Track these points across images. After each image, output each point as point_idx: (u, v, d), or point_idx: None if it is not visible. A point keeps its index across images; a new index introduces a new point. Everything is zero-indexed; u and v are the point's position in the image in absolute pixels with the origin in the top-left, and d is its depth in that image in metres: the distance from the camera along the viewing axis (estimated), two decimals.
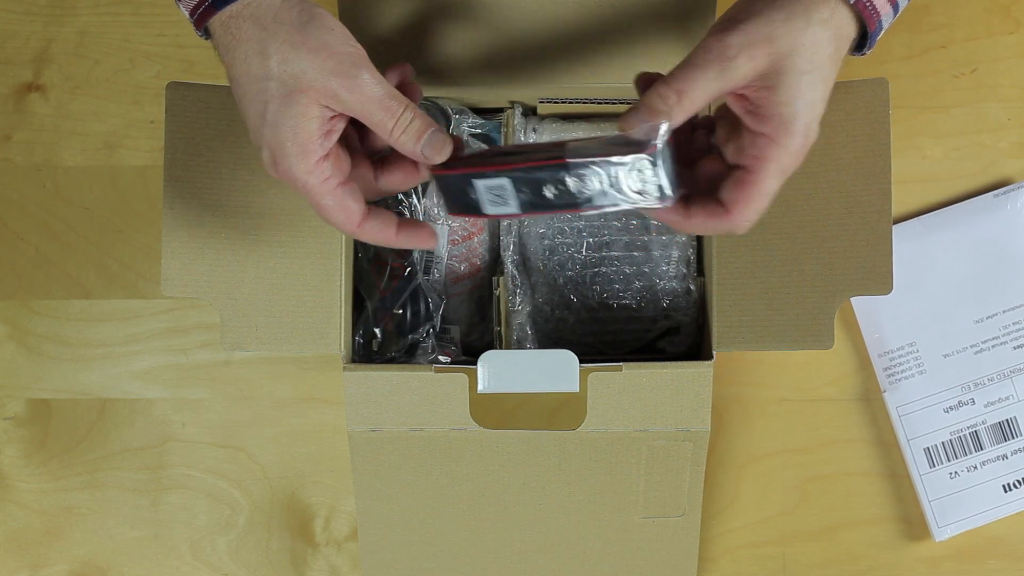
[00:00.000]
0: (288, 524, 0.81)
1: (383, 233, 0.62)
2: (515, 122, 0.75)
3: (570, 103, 0.74)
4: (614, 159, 0.56)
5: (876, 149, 0.69)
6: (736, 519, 0.81)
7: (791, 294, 0.69)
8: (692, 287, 0.76)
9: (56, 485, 0.82)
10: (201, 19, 0.58)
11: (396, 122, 0.58)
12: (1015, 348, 0.80)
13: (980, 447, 0.79)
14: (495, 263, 0.78)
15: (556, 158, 0.57)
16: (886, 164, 0.69)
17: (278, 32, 0.57)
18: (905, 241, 0.80)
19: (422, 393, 0.69)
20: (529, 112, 0.76)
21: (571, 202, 0.58)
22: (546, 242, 0.76)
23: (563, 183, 0.58)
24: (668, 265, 0.76)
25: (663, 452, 0.71)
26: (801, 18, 0.58)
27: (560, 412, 0.80)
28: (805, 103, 0.58)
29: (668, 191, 0.57)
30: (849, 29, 0.59)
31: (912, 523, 0.80)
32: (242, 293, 0.69)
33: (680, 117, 0.59)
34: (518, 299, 0.75)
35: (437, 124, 0.60)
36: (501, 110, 0.76)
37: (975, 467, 0.79)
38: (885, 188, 0.69)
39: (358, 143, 0.63)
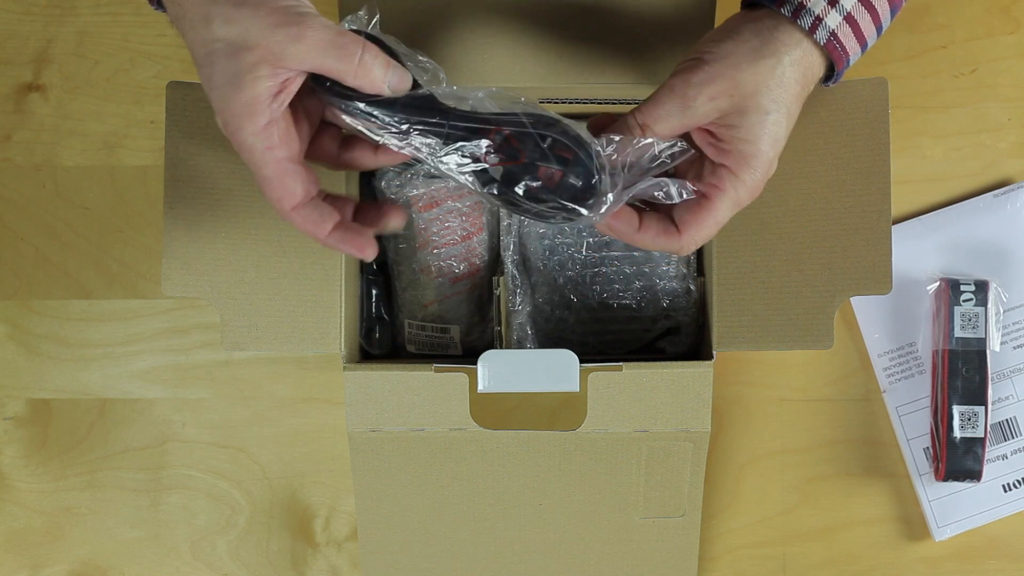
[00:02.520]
0: (288, 524, 0.81)
1: (315, 227, 0.59)
2: None
3: (570, 103, 0.74)
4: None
5: (875, 149, 0.69)
6: (736, 519, 0.81)
7: (791, 294, 0.69)
8: (692, 287, 0.76)
9: (56, 485, 0.82)
10: None
11: (356, 63, 0.56)
12: (1015, 348, 0.80)
13: None
14: (495, 263, 0.78)
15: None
16: (885, 164, 0.69)
17: None
18: (905, 241, 0.80)
19: (422, 393, 0.69)
20: None
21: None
22: (546, 242, 0.76)
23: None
24: (668, 265, 0.76)
25: (663, 452, 0.71)
26: (770, 59, 0.59)
27: (560, 412, 0.80)
28: (768, 141, 0.60)
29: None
30: (817, 68, 0.61)
31: (912, 523, 0.80)
32: (242, 293, 0.69)
33: None
34: (518, 299, 0.75)
35: (394, 62, 0.58)
36: None
37: None
38: (884, 187, 0.69)
39: (323, 112, 0.61)
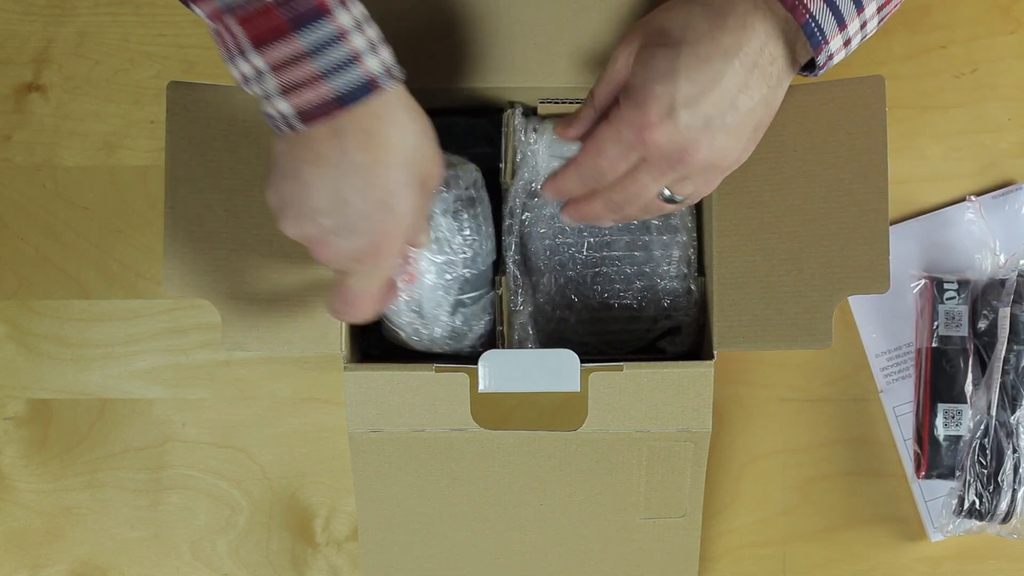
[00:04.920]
0: (288, 524, 0.81)
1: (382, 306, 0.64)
2: (515, 122, 0.75)
3: (570, 103, 0.74)
4: None
5: (873, 147, 0.69)
6: (736, 519, 0.81)
7: (790, 293, 0.69)
8: (693, 287, 0.76)
9: (56, 485, 0.82)
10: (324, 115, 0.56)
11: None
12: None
13: None
14: (496, 263, 0.78)
15: None
16: (883, 162, 0.69)
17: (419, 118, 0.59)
18: (904, 241, 0.80)
19: (422, 393, 0.69)
20: (529, 112, 0.76)
21: None
22: (547, 242, 0.76)
23: None
24: (669, 265, 0.76)
25: (664, 452, 0.71)
26: (696, 4, 0.58)
27: (561, 412, 0.80)
28: (652, 75, 0.57)
29: None
30: (754, 20, 0.58)
31: (912, 523, 0.80)
32: (242, 293, 0.69)
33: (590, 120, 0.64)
34: (519, 299, 0.75)
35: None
36: (501, 110, 0.76)
37: None
38: (882, 186, 0.69)
39: None
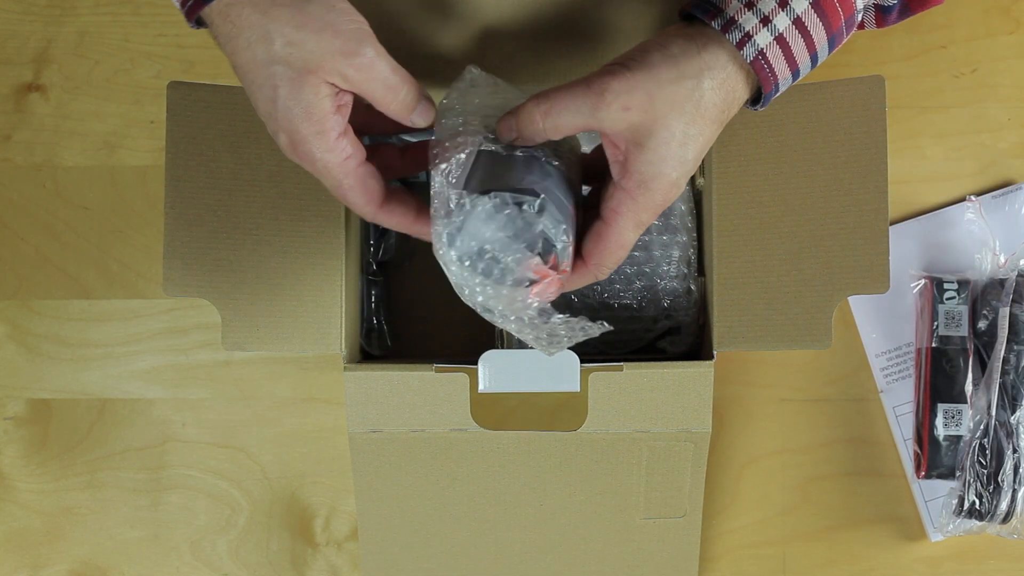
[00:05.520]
0: (288, 524, 0.81)
1: (404, 218, 0.62)
2: None
3: None
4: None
5: (873, 147, 0.69)
6: (736, 519, 0.81)
7: (790, 293, 0.69)
8: (693, 287, 0.76)
9: (56, 485, 0.82)
10: (194, 9, 0.57)
11: (396, 99, 0.59)
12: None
13: None
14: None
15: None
16: (883, 162, 0.69)
17: (279, 15, 0.56)
18: (904, 241, 0.80)
19: (422, 393, 0.69)
20: None
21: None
22: None
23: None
24: (669, 265, 0.76)
25: (664, 453, 0.71)
26: (690, 80, 0.57)
27: (561, 412, 0.80)
28: (672, 165, 0.58)
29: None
30: (741, 91, 0.59)
31: (912, 523, 0.80)
32: (243, 293, 0.69)
33: (541, 137, 0.60)
34: None
35: (426, 94, 0.60)
36: None
37: None
38: (882, 186, 0.69)
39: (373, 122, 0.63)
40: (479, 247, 0.59)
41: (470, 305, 0.62)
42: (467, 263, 0.60)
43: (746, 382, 0.81)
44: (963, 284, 0.77)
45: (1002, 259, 0.78)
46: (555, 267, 0.60)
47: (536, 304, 0.61)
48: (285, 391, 0.82)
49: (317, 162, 0.58)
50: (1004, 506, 0.76)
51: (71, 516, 0.82)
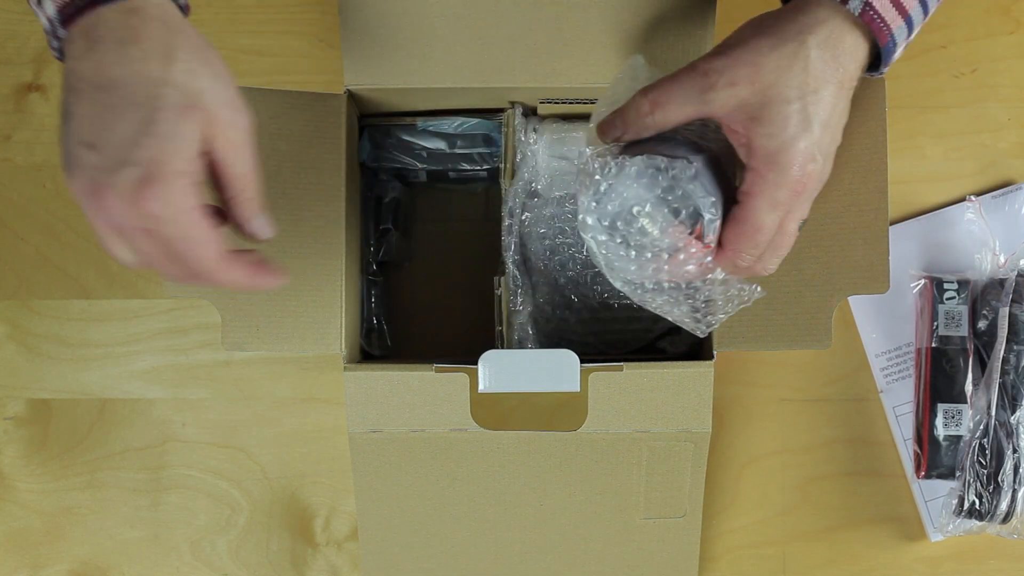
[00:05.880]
0: (288, 524, 0.81)
1: (254, 270, 0.56)
2: (515, 122, 0.75)
3: (570, 103, 0.74)
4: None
5: (873, 147, 0.69)
6: (736, 519, 0.81)
7: (790, 293, 0.69)
8: None
9: (56, 485, 0.82)
10: (85, 8, 0.52)
11: (249, 190, 0.55)
12: None
13: None
14: (496, 263, 0.78)
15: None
16: (883, 162, 0.69)
17: (187, 40, 0.52)
18: (904, 241, 0.80)
19: (422, 393, 0.69)
20: (529, 112, 0.76)
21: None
22: (547, 242, 0.76)
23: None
24: None
25: (664, 453, 0.71)
26: (792, 43, 0.56)
27: (561, 412, 0.80)
28: (793, 134, 0.56)
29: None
30: (855, 47, 0.57)
31: (912, 523, 0.80)
32: (243, 293, 0.69)
33: (651, 130, 0.58)
34: (519, 299, 0.75)
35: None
36: (501, 110, 0.76)
37: None
38: (882, 186, 0.69)
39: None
40: (627, 208, 0.58)
41: (613, 282, 0.60)
42: (613, 225, 0.58)
43: (746, 382, 0.81)
44: (963, 284, 0.78)
45: (1002, 259, 0.78)
46: (699, 238, 0.58)
47: (690, 269, 0.59)
48: (285, 391, 0.82)
49: (170, 205, 0.51)
50: (1004, 506, 0.76)
51: (71, 516, 0.82)
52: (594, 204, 0.58)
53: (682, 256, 0.58)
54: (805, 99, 0.56)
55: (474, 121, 0.77)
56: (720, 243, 0.59)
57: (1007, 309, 0.76)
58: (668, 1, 0.71)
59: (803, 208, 0.59)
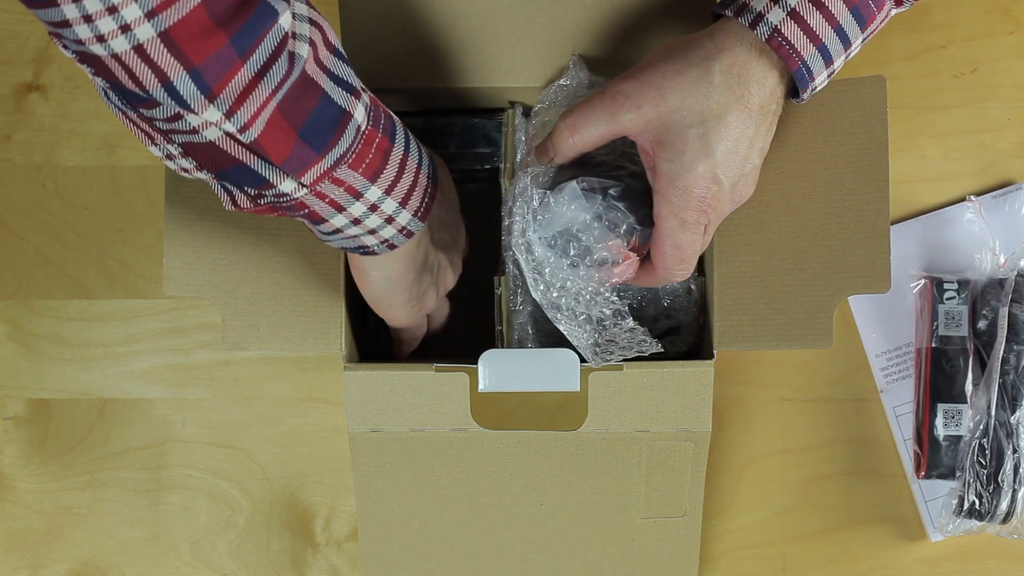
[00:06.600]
0: (288, 524, 0.81)
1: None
2: (515, 122, 0.75)
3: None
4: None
5: (874, 147, 0.69)
6: (736, 519, 0.81)
7: (790, 293, 0.69)
8: (693, 286, 0.76)
9: (56, 485, 0.82)
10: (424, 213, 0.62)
11: (414, 335, 0.74)
12: None
13: None
14: (496, 263, 0.78)
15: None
16: (884, 162, 0.69)
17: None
18: (904, 241, 0.80)
19: (423, 392, 0.69)
20: (529, 112, 0.76)
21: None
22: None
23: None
24: None
25: (664, 452, 0.71)
26: (696, 68, 0.57)
27: (561, 412, 0.80)
28: (692, 158, 0.57)
29: None
30: (763, 72, 0.58)
31: (912, 523, 0.80)
32: (243, 293, 0.69)
33: (574, 151, 0.62)
34: (519, 298, 0.75)
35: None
36: (501, 110, 0.76)
37: None
38: (883, 186, 0.69)
39: None
40: (563, 228, 0.63)
41: (537, 299, 0.66)
42: (550, 244, 0.64)
43: (746, 382, 0.81)
44: (963, 284, 0.77)
45: (1002, 259, 0.78)
46: (635, 250, 0.64)
47: (615, 304, 0.65)
48: (285, 391, 0.82)
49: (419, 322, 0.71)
50: (1004, 506, 0.76)
51: (71, 516, 0.82)
52: (531, 221, 0.64)
53: (619, 268, 0.64)
54: (706, 124, 0.57)
55: (474, 121, 0.77)
56: (652, 261, 0.63)
57: (1007, 309, 0.76)
58: (668, 1, 0.71)
59: (718, 222, 0.63)
